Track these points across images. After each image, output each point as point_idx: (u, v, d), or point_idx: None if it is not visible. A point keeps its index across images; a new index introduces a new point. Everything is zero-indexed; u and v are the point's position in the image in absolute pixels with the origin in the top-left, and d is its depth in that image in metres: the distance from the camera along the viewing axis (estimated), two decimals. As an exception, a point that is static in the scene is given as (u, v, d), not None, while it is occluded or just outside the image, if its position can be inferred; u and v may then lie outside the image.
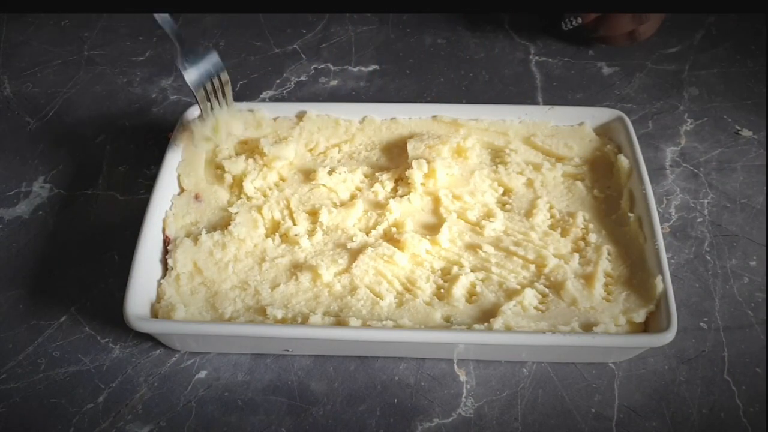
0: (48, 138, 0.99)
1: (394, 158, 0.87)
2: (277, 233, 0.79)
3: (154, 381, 0.73)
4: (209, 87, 0.77)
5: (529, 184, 0.84)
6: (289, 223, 0.80)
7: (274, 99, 1.04)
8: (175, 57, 0.75)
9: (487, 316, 0.70)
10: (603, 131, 0.88)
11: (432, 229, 0.79)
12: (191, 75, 0.76)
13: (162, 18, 0.73)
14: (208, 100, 0.78)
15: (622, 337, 0.69)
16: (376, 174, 0.85)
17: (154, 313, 0.72)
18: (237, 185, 0.83)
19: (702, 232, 0.84)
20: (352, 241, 0.78)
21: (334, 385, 0.72)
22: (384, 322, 0.70)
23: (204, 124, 0.79)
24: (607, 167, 0.85)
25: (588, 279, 0.73)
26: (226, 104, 0.80)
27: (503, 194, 0.83)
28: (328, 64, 1.09)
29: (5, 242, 0.86)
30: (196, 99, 0.77)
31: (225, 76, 0.78)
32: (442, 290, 0.74)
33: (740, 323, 0.76)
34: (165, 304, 0.72)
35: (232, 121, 0.81)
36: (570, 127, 0.89)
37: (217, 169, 0.86)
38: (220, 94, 0.78)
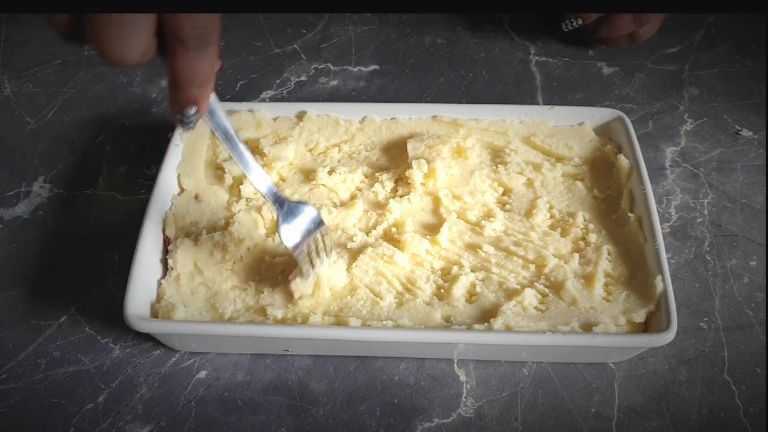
0: (48, 138, 0.99)
1: (394, 158, 0.87)
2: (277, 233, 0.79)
3: (154, 381, 0.73)
4: (311, 245, 0.70)
5: (529, 184, 0.84)
6: (289, 223, 0.80)
7: (274, 99, 1.04)
8: (277, 219, 0.69)
9: (487, 316, 0.70)
10: (603, 131, 0.88)
11: (432, 229, 0.79)
12: (289, 239, 0.68)
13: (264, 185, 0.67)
14: (310, 259, 0.71)
15: (622, 337, 0.69)
16: (376, 174, 0.85)
17: (154, 313, 0.72)
18: (237, 185, 0.83)
19: (702, 232, 0.84)
20: (352, 241, 0.78)
21: (334, 385, 0.72)
22: (384, 322, 0.70)
23: (305, 284, 0.71)
24: (607, 167, 0.85)
25: (588, 279, 0.73)
26: (327, 257, 0.72)
27: (503, 194, 0.83)
28: (328, 64, 1.09)
29: (5, 242, 0.86)
30: (297, 261, 0.70)
31: (324, 230, 0.70)
32: (442, 290, 0.74)
33: (740, 323, 0.76)
34: (165, 304, 0.72)
35: (333, 275, 0.73)
36: (570, 127, 0.89)
37: (217, 169, 0.86)
38: (321, 248, 0.71)
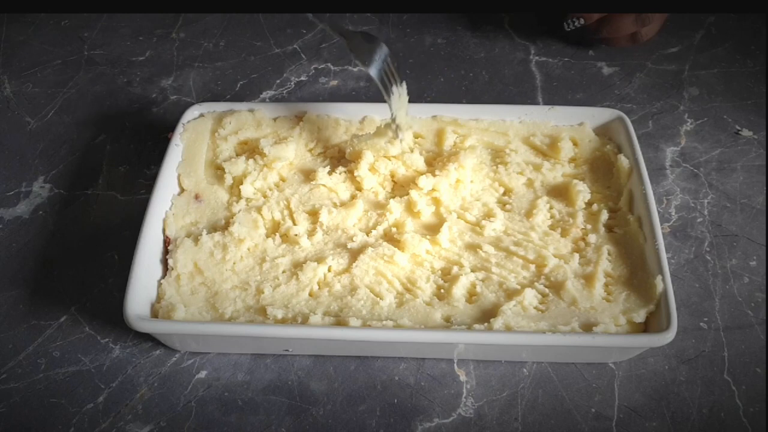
0: (48, 138, 0.99)
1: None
2: (277, 233, 0.79)
3: (154, 381, 0.73)
4: (388, 77, 0.73)
5: (529, 184, 0.84)
6: (290, 223, 0.80)
7: (274, 99, 1.04)
8: (349, 52, 0.72)
9: (487, 316, 0.70)
10: (603, 131, 0.88)
11: (432, 229, 0.79)
12: (374, 70, 0.72)
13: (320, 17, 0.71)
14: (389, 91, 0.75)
15: (622, 337, 0.69)
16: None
17: (154, 313, 0.72)
18: (237, 185, 0.83)
19: (702, 232, 0.84)
20: (353, 241, 0.78)
21: (334, 385, 0.72)
22: (384, 322, 0.70)
23: (392, 115, 0.75)
24: (607, 167, 0.85)
25: (588, 279, 0.73)
26: (399, 88, 0.75)
27: (503, 194, 0.83)
28: (328, 64, 1.09)
29: (5, 242, 0.86)
30: (383, 90, 0.74)
31: (394, 62, 0.74)
32: (442, 290, 0.74)
33: (740, 323, 0.76)
34: (165, 304, 0.72)
35: (403, 110, 0.76)
36: (570, 127, 0.89)
37: (217, 169, 0.86)
38: (395, 80, 0.74)
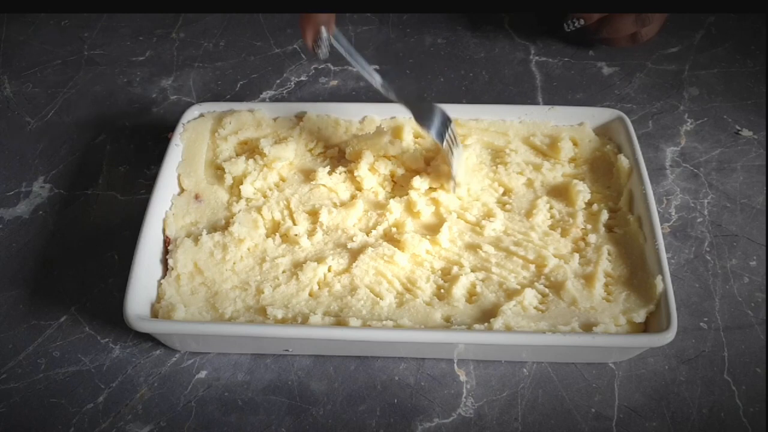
0: (48, 138, 0.99)
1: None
2: (277, 233, 0.79)
3: (154, 381, 0.73)
4: (450, 139, 0.79)
5: (529, 184, 0.84)
6: (290, 223, 0.80)
7: (274, 99, 1.04)
8: (417, 119, 0.79)
9: (487, 316, 0.70)
10: (603, 131, 0.88)
11: (432, 229, 0.79)
12: (435, 133, 0.78)
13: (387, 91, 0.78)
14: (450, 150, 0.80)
15: (622, 337, 0.69)
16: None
17: (154, 313, 0.72)
18: (237, 185, 0.83)
19: (702, 232, 0.84)
20: (353, 241, 0.78)
21: (334, 385, 0.72)
22: (384, 322, 0.70)
23: (452, 174, 0.80)
24: (607, 167, 0.85)
25: (588, 279, 0.73)
26: (457, 149, 0.80)
27: (503, 194, 0.83)
28: (328, 64, 1.09)
29: (5, 242, 0.86)
30: (446, 154, 0.79)
31: (453, 126, 0.80)
32: (442, 290, 0.74)
33: (740, 323, 0.76)
34: (165, 304, 0.72)
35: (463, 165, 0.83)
36: (570, 127, 0.89)
37: (217, 169, 0.86)
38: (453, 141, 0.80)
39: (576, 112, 0.89)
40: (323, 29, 0.73)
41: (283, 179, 0.85)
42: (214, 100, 1.03)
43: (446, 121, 0.79)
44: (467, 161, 0.84)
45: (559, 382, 0.72)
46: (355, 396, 0.71)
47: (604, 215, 0.79)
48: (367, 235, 0.79)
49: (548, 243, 0.77)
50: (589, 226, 0.78)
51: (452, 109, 0.89)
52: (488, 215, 0.80)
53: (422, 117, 0.78)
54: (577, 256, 0.75)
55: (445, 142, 0.78)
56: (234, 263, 0.76)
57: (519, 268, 0.75)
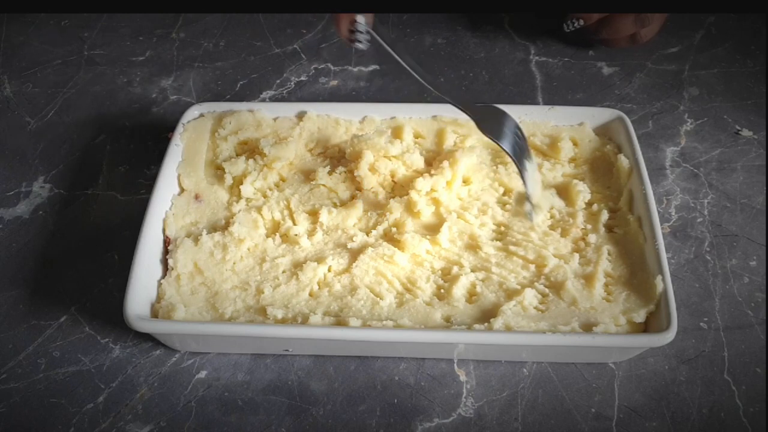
0: (48, 138, 0.99)
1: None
2: (277, 233, 0.79)
3: (154, 381, 0.73)
4: (521, 150, 0.71)
5: (530, 184, 0.84)
6: (290, 223, 0.80)
7: (274, 99, 1.04)
8: (478, 128, 0.71)
9: (487, 316, 0.70)
10: (603, 131, 0.88)
11: (432, 229, 0.79)
12: (507, 144, 0.70)
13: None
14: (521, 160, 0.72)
15: (622, 337, 0.69)
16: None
17: (154, 313, 0.72)
18: (237, 185, 0.83)
19: (702, 232, 0.84)
20: (352, 241, 0.78)
21: (334, 385, 0.72)
22: (384, 322, 0.70)
23: (526, 194, 0.74)
24: (607, 167, 0.85)
25: (588, 279, 0.73)
26: (530, 163, 0.73)
27: (503, 194, 0.83)
28: (328, 64, 1.09)
29: (5, 242, 0.86)
30: (518, 166, 0.71)
31: (522, 132, 0.72)
32: (442, 290, 0.74)
33: (740, 323, 0.76)
34: (165, 304, 0.72)
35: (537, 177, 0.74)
36: (570, 127, 0.89)
37: (217, 169, 0.86)
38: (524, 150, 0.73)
39: (576, 112, 0.89)
40: (360, 18, 0.66)
41: (283, 179, 0.85)
42: (214, 100, 1.03)
43: (517, 130, 0.70)
44: (463, 158, 0.84)
45: (559, 382, 0.72)
46: (355, 396, 0.71)
47: (604, 215, 0.79)
48: (367, 235, 0.79)
49: (548, 243, 0.77)
50: (589, 226, 0.78)
51: (452, 109, 0.89)
52: (488, 215, 0.80)
53: (487, 124, 0.69)
54: (577, 256, 0.75)
55: (515, 151, 0.69)
56: (234, 263, 0.76)
57: (519, 268, 0.75)
